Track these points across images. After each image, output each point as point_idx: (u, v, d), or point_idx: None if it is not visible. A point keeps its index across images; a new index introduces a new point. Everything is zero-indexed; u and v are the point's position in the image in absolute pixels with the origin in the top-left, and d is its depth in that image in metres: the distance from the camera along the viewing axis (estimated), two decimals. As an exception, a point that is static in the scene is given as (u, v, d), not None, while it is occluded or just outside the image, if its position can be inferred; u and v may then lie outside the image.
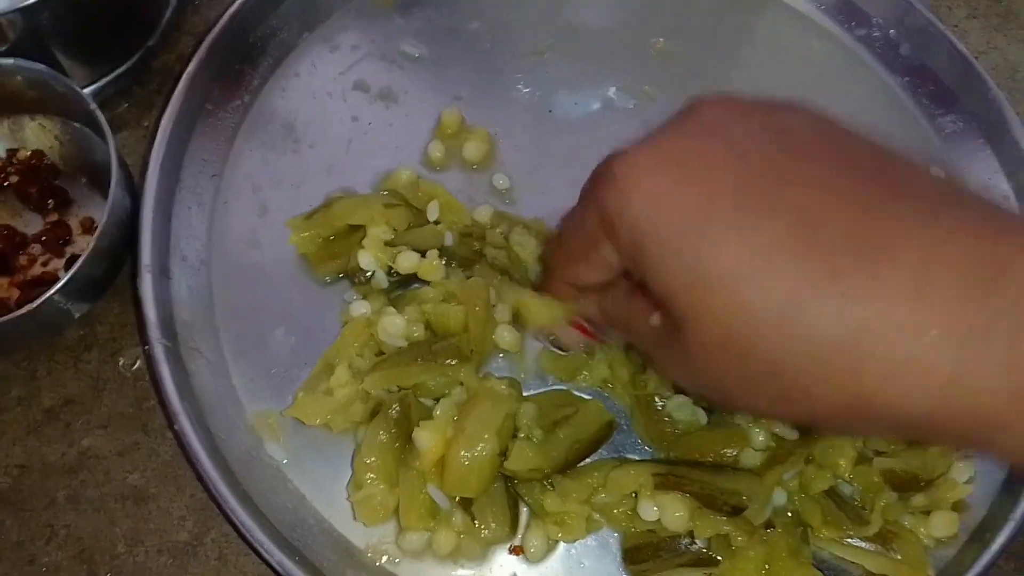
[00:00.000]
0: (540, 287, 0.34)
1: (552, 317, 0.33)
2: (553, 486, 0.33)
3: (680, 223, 0.24)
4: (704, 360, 0.24)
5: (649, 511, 0.32)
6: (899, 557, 0.34)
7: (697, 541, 0.33)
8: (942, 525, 0.34)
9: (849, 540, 0.34)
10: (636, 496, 0.33)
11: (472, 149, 0.40)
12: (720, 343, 0.23)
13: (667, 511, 0.32)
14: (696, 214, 0.23)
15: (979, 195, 0.24)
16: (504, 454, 0.32)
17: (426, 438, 0.32)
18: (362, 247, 0.36)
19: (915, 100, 0.43)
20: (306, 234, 0.37)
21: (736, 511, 0.32)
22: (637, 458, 0.35)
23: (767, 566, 0.33)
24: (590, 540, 0.34)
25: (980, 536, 0.34)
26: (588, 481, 0.33)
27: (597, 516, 0.34)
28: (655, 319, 0.27)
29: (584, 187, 0.27)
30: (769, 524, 0.33)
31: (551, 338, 0.35)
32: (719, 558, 0.33)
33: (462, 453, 0.31)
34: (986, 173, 0.41)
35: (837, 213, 0.22)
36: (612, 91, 0.42)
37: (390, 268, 0.36)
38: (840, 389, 0.22)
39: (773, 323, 0.22)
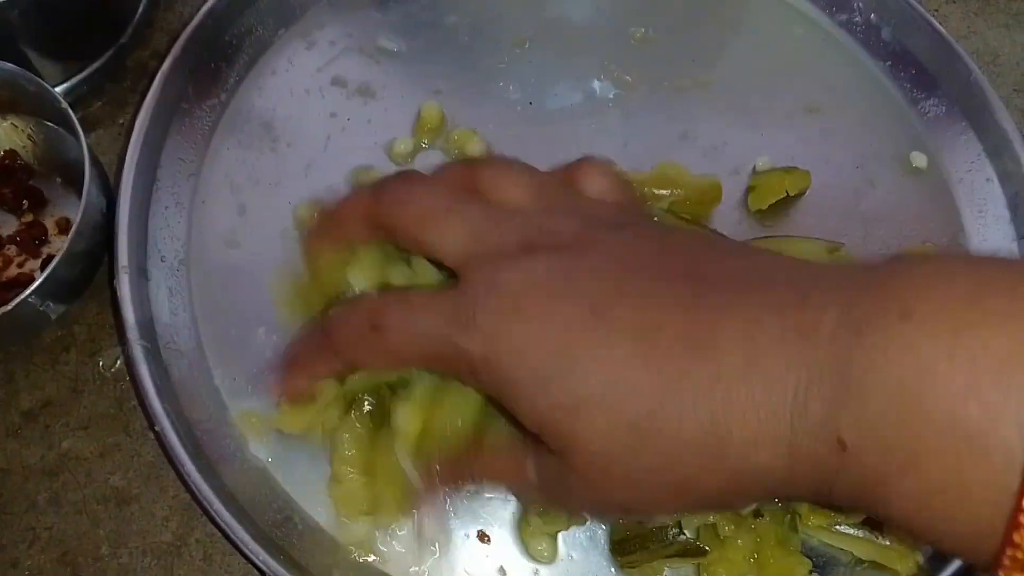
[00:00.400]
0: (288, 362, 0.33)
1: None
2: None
3: (543, 359, 0.26)
4: (595, 475, 0.26)
5: None
6: (887, 543, 0.33)
7: (685, 532, 0.33)
8: None
9: (838, 527, 0.34)
10: None
11: (473, 149, 0.39)
12: (602, 460, 0.26)
13: None
14: (555, 347, 0.26)
15: (786, 261, 0.27)
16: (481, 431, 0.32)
17: (405, 412, 0.31)
18: (351, 266, 0.34)
19: (897, 84, 0.43)
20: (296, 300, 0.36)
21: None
22: None
23: (755, 555, 0.33)
24: (578, 533, 0.34)
25: None
26: None
27: None
28: (531, 471, 0.29)
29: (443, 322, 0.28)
30: (758, 513, 0.33)
31: None
32: (707, 548, 0.32)
33: (442, 425, 0.31)
34: (969, 156, 0.41)
35: (668, 316, 0.25)
36: (593, 82, 0.42)
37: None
38: (715, 472, 0.25)
39: (645, 428, 0.25)
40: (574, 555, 0.33)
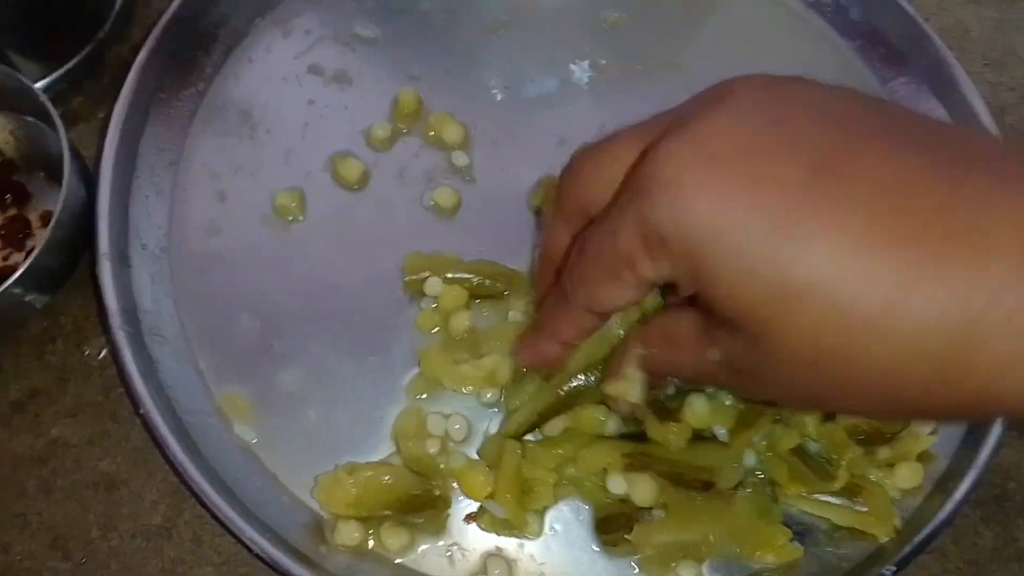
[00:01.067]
0: (535, 326, 0.32)
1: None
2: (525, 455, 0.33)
3: (749, 228, 0.21)
4: (795, 375, 0.22)
5: (617, 486, 0.33)
6: (865, 510, 0.34)
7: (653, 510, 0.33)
8: (907, 476, 0.35)
9: (816, 496, 0.35)
10: (606, 471, 0.33)
11: (451, 133, 0.40)
12: (813, 356, 0.21)
13: (636, 488, 0.33)
14: (766, 215, 0.21)
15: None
16: None
17: None
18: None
19: (867, 63, 0.43)
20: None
21: (707, 486, 0.33)
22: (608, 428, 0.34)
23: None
24: (564, 508, 0.34)
25: (944, 485, 0.35)
26: (558, 451, 0.33)
27: (566, 483, 0.34)
28: (714, 354, 0.25)
29: (616, 196, 0.25)
30: (740, 483, 0.34)
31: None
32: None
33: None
34: (936, 132, 0.42)
35: (919, 192, 0.20)
36: (568, 65, 0.42)
37: None
38: (949, 389, 0.21)
39: (874, 327, 0.20)
40: (557, 527, 0.34)
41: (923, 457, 0.35)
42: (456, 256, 0.38)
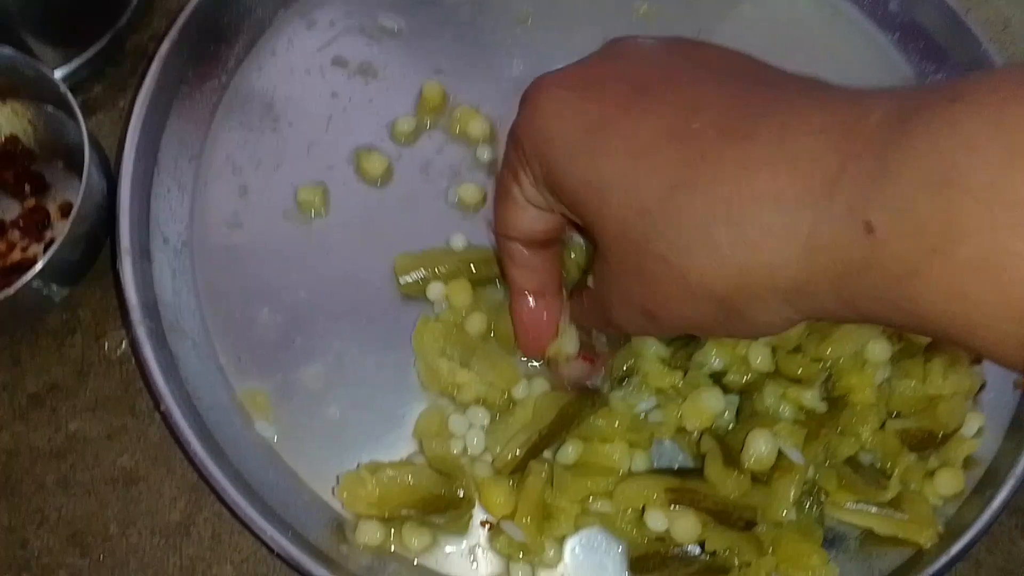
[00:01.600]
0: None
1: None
2: (552, 482, 0.32)
3: (576, 135, 0.25)
4: (614, 264, 0.26)
5: (658, 522, 0.32)
6: (906, 517, 0.33)
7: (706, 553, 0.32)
8: (948, 483, 0.34)
9: (854, 505, 0.33)
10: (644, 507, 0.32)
11: (476, 128, 0.39)
12: (620, 243, 0.25)
13: (677, 524, 0.32)
14: (590, 124, 0.25)
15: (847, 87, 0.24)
16: None
17: None
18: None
19: (906, 57, 0.42)
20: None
21: (749, 525, 0.32)
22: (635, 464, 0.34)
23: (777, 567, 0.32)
24: (599, 539, 0.33)
25: (982, 492, 0.34)
26: (588, 484, 0.32)
27: (591, 515, 0.33)
28: (590, 280, 0.28)
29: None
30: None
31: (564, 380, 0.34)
32: (729, 566, 0.32)
33: None
34: (977, 129, 0.41)
35: (708, 106, 0.24)
36: (595, 58, 0.42)
37: None
38: (724, 267, 0.23)
39: (656, 214, 0.24)
40: (578, 554, 0.33)
41: (968, 463, 0.34)
42: (445, 248, 0.37)
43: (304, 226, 0.38)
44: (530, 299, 0.32)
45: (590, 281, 0.29)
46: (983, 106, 0.19)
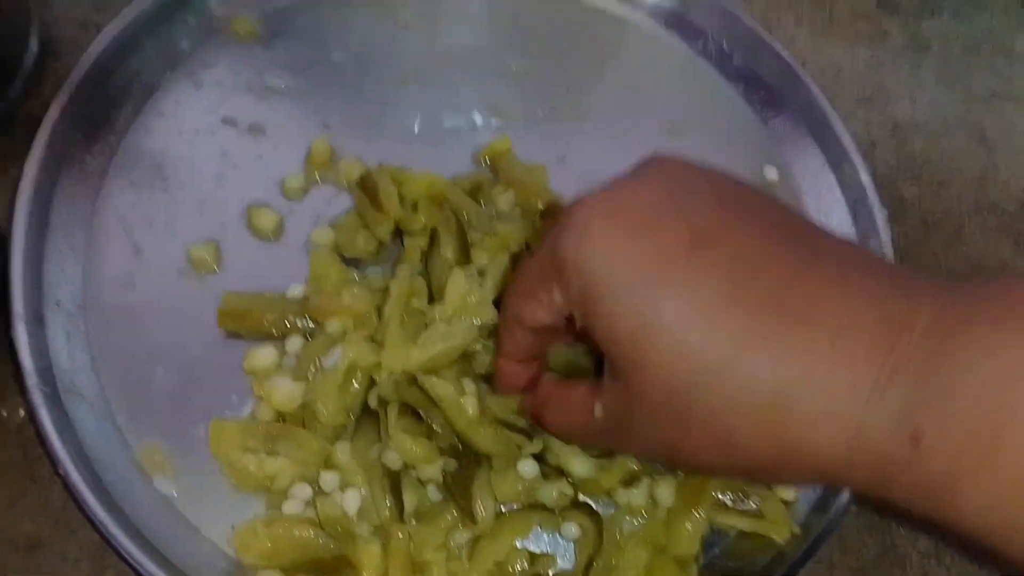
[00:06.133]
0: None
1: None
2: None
3: (630, 273, 0.26)
4: (651, 409, 0.26)
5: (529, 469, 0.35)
6: (763, 514, 0.36)
7: (550, 572, 0.35)
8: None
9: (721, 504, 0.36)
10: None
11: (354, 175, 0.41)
12: (664, 390, 0.26)
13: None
14: (646, 265, 0.25)
15: (882, 259, 0.28)
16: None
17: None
18: None
19: (750, 105, 0.47)
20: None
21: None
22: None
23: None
24: None
25: (825, 499, 0.37)
26: (441, 525, 0.34)
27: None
28: (598, 409, 0.29)
29: (550, 228, 0.29)
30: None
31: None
32: None
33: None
34: (814, 168, 0.46)
35: (768, 273, 0.25)
36: (474, 112, 0.45)
37: None
38: (770, 439, 0.25)
39: (712, 374, 0.25)
40: None
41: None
42: (271, 295, 0.38)
43: (198, 283, 0.39)
44: (515, 364, 0.34)
45: (595, 407, 0.29)
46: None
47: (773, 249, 0.26)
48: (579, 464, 0.35)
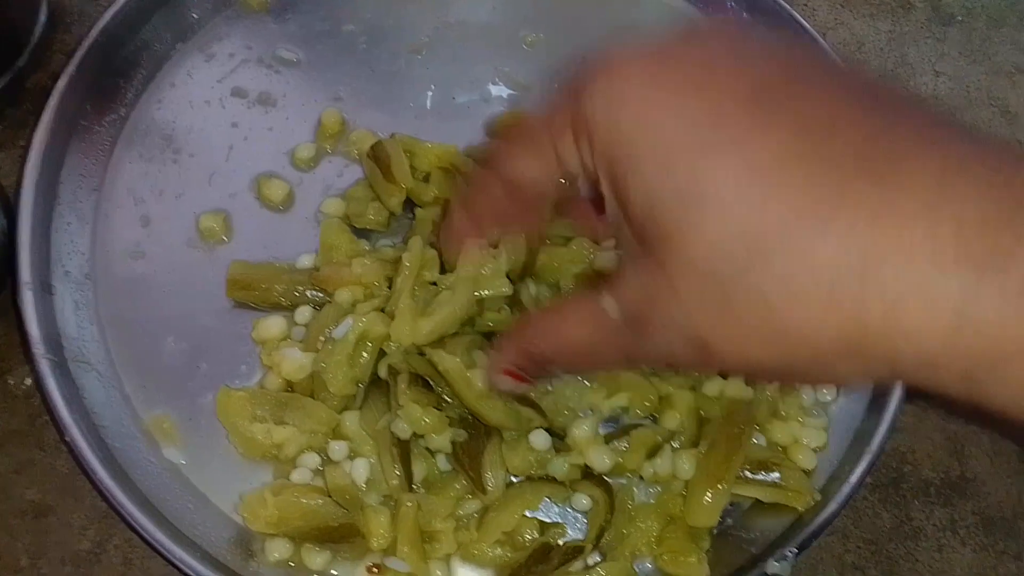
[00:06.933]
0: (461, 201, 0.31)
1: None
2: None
3: (678, 133, 0.21)
4: (689, 290, 0.22)
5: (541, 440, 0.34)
6: (784, 484, 0.35)
7: (560, 541, 0.34)
8: (808, 449, 0.37)
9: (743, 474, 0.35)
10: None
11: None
12: (707, 269, 0.21)
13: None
14: (697, 125, 0.21)
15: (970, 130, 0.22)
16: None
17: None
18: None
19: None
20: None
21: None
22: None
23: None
24: None
25: (841, 471, 0.37)
26: (451, 494, 0.34)
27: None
28: (611, 304, 0.24)
29: (568, 79, 0.25)
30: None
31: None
32: (584, 546, 0.34)
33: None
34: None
35: (846, 128, 0.21)
36: (488, 84, 0.44)
37: None
38: (842, 322, 0.20)
39: (771, 245, 0.20)
40: None
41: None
42: (280, 265, 0.38)
43: (207, 253, 0.39)
44: (467, 218, 0.30)
45: (606, 304, 0.24)
46: None
47: (849, 107, 0.21)
48: (598, 459, 0.34)
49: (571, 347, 0.27)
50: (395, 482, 0.33)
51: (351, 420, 0.35)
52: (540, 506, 0.35)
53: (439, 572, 0.33)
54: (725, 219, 0.21)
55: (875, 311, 0.20)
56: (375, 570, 0.33)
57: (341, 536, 0.33)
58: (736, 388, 0.36)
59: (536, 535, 0.34)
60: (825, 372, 0.22)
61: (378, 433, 0.34)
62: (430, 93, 0.44)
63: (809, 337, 0.21)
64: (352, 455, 0.34)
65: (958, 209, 0.19)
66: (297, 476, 0.34)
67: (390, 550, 0.33)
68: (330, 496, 0.33)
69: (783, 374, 0.25)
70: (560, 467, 0.35)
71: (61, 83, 0.39)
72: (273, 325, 0.37)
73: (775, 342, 0.21)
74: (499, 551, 0.34)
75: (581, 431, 0.35)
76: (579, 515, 0.36)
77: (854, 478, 0.36)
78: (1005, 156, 0.20)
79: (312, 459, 0.34)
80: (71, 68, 0.39)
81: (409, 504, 0.33)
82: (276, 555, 0.33)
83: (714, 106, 0.21)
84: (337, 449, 0.34)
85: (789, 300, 0.20)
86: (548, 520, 0.35)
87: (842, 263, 0.20)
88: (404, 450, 0.34)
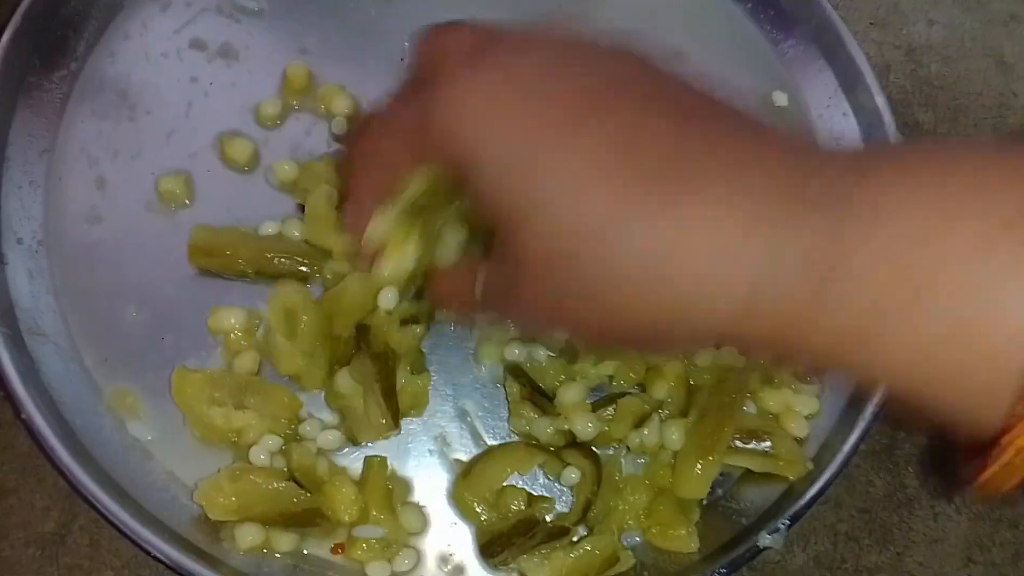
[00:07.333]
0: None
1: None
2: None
3: (512, 146, 0.25)
4: (532, 282, 0.25)
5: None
6: (775, 454, 0.35)
7: (547, 517, 0.34)
8: (800, 417, 0.36)
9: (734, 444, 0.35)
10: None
11: (341, 106, 0.39)
12: (544, 260, 0.25)
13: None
14: (528, 137, 0.24)
15: (791, 135, 0.26)
16: None
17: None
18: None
19: (758, 26, 0.44)
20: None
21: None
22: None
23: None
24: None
25: (833, 440, 0.36)
26: None
27: None
28: (477, 288, 0.28)
29: (410, 80, 0.28)
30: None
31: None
32: (569, 527, 0.33)
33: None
34: (826, 92, 0.43)
35: (652, 137, 0.24)
36: (463, 33, 0.42)
37: None
38: (653, 305, 0.24)
39: (591, 242, 0.24)
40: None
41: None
42: (245, 231, 0.36)
43: (168, 218, 0.37)
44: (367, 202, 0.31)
45: (477, 288, 0.29)
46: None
47: (660, 119, 0.24)
48: (582, 426, 0.34)
49: (448, 302, 0.33)
50: (381, 421, 0.32)
51: (343, 379, 0.33)
52: (530, 474, 0.34)
53: (413, 520, 0.33)
54: (552, 221, 0.24)
55: (679, 295, 0.23)
56: (339, 551, 0.32)
57: (307, 520, 0.32)
58: (728, 356, 0.35)
59: (523, 506, 0.33)
60: (665, 343, 0.27)
61: (365, 376, 0.33)
62: (402, 43, 0.41)
63: (631, 315, 0.24)
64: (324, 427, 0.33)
65: (741, 203, 0.23)
66: (255, 457, 0.33)
67: (361, 518, 0.32)
68: (293, 478, 0.32)
69: (627, 344, 0.28)
70: (544, 430, 0.34)
71: (5, 37, 0.36)
72: (231, 315, 0.34)
73: (606, 319, 0.25)
74: (483, 509, 0.33)
75: (569, 395, 0.34)
76: (568, 491, 0.35)
77: (847, 446, 0.35)
78: (799, 153, 0.24)
79: (274, 441, 0.33)
80: (16, 20, 0.36)
81: (377, 465, 0.32)
82: (249, 539, 0.32)
83: (543, 119, 0.24)
84: (309, 429, 0.33)
85: (610, 289, 0.24)
86: (535, 493, 0.34)
87: (648, 255, 0.23)
88: (389, 383, 0.33)
